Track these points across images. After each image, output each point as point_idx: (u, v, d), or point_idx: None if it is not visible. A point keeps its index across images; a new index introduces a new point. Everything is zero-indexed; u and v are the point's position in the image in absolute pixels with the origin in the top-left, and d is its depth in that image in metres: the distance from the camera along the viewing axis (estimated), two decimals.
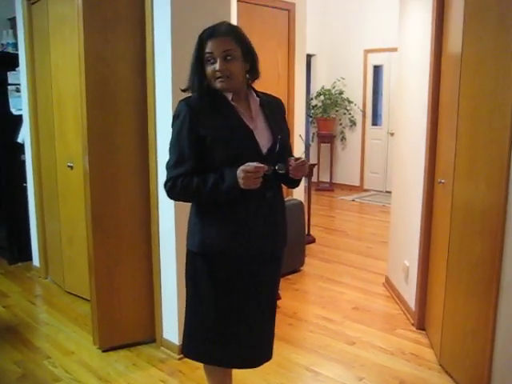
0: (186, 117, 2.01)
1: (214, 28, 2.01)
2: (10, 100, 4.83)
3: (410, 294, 3.76)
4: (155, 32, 2.99)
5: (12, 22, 5.54)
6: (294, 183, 2.23)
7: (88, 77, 2.94)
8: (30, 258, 4.89)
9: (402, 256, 3.98)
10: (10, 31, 5.31)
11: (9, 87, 4.82)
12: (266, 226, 2.11)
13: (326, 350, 3.33)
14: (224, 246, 2.08)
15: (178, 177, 2.02)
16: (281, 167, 2.02)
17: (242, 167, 1.91)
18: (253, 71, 2.12)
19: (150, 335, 3.36)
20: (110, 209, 3.11)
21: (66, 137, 3.97)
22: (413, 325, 3.65)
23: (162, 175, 3.09)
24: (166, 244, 3.16)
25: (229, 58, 1.98)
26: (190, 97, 2.09)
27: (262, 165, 1.91)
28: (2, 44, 5.32)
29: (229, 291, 2.14)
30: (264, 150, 2.05)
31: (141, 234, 3.22)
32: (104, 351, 3.29)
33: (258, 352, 2.31)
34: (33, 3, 4.20)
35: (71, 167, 3.88)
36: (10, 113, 4.83)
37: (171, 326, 3.23)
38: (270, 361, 3.15)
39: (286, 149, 2.19)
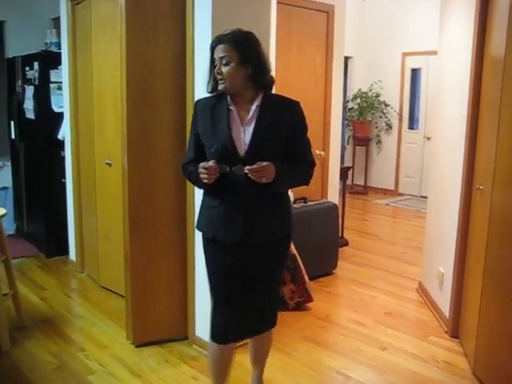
0: (193, 114, 2.40)
1: (219, 36, 2.25)
2: (52, 98, 4.95)
3: (444, 300, 3.71)
4: (195, 32, 3.03)
5: (55, 21, 5.67)
6: (269, 186, 2.21)
7: (129, 76, 2.98)
8: (67, 252, 5.00)
9: (437, 262, 3.92)
10: (54, 31, 5.44)
11: (51, 85, 4.94)
12: (239, 217, 2.27)
13: (358, 354, 3.31)
14: (205, 231, 2.41)
15: (184, 164, 2.43)
16: (237, 169, 2.20)
17: (201, 164, 2.19)
18: (257, 75, 2.25)
19: (182, 332, 3.40)
20: (146, 207, 3.16)
21: (105, 134, 4.05)
22: (446, 332, 3.59)
23: None
24: (201, 242, 3.18)
25: (224, 62, 2.20)
26: (206, 97, 2.38)
27: (212, 164, 2.14)
28: (46, 43, 5.45)
29: (216, 272, 2.40)
30: (242, 151, 2.22)
31: (176, 232, 3.26)
32: (137, 346, 3.34)
33: (254, 325, 2.50)
34: (77, 3, 4.29)
35: (109, 164, 3.95)
36: (52, 110, 4.94)
37: (203, 324, 3.25)
38: (301, 363, 3.16)
39: (289, 151, 2.30)
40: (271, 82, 2.34)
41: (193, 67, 3.05)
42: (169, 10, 3.05)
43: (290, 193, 4.58)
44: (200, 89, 3.02)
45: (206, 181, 2.18)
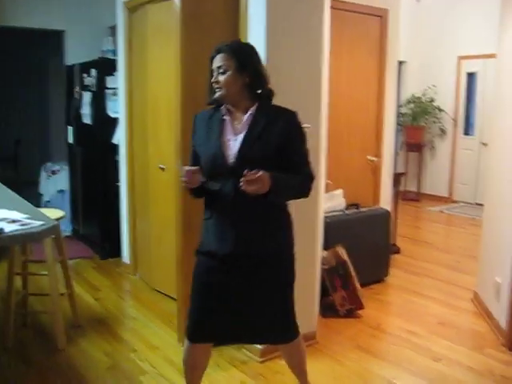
0: (192, 128, 2.43)
1: (217, 47, 2.28)
2: (108, 103, 5.08)
3: (500, 311, 3.59)
4: (249, 40, 3.05)
5: (112, 30, 5.82)
6: (263, 196, 2.13)
7: (183, 83, 3.03)
8: (120, 254, 5.11)
9: (494, 272, 3.80)
10: (111, 38, 5.59)
11: (107, 91, 5.07)
12: (230, 229, 2.26)
13: (410, 365, 3.24)
14: (201, 242, 2.40)
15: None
16: (211, 184, 2.24)
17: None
18: (254, 84, 2.26)
19: None
20: (198, 212, 3.18)
21: (159, 139, 4.12)
22: (503, 345, 3.47)
23: None
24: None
25: (221, 71, 2.22)
26: (204, 110, 2.41)
27: (187, 168, 2.18)
28: (103, 50, 5.61)
29: (204, 284, 2.35)
30: (231, 161, 2.21)
31: None
32: None
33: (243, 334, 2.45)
34: (133, 12, 4.39)
35: (163, 169, 4.02)
36: (107, 115, 5.08)
37: None
38: (351, 371, 3.12)
39: (284, 163, 2.24)
40: (270, 93, 2.34)
41: None
42: (223, 18, 3.09)
43: (342, 199, 4.56)
44: None
45: (185, 185, 2.22)
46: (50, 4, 5.90)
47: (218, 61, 2.24)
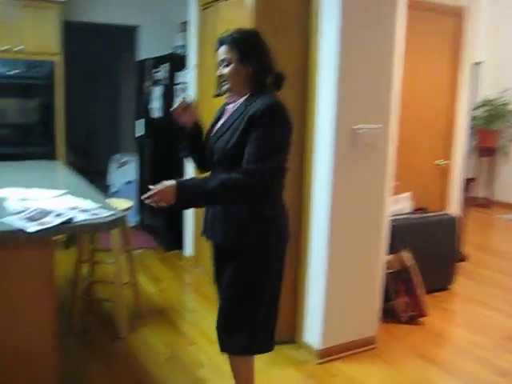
0: None
1: (220, 38, 2.24)
2: (177, 98, 5.16)
3: None
4: (321, 41, 3.02)
5: (184, 26, 5.91)
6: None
7: None
8: (183, 246, 5.18)
9: None
10: (182, 34, 5.67)
11: (176, 86, 5.15)
12: (208, 220, 2.29)
13: (474, 378, 3.12)
14: None
15: None
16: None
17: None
18: (258, 74, 2.18)
19: (290, 336, 3.39)
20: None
21: None
22: None
23: (318, 180, 3.11)
24: (317, 246, 3.18)
25: (225, 63, 2.18)
26: None
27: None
28: (174, 46, 5.71)
29: None
30: (216, 155, 2.20)
31: (292, 241, 3.25)
32: None
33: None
34: (205, 8, 4.43)
35: None
36: None
37: (313, 330, 3.24)
38: (412, 380, 3.03)
39: (234, 157, 2.12)
40: (277, 80, 2.24)
41: (315, 75, 3.04)
42: (295, 16, 3.06)
43: (409, 202, 4.44)
44: (323, 99, 3.03)
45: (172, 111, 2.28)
46: (123, 0, 6.06)
47: (221, 53, 2.20)
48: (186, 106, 2.28)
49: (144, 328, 3.60)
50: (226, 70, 2.18)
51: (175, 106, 2.28)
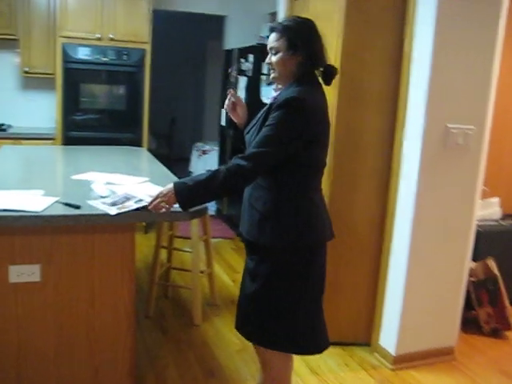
0: None
1: (271, 25, 2.16)
2: (262, 89, 5.13)
3: None
4: (416, 30, 2.88)
5: (272, 16, 5.87)
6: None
7: (342, 75, 2.94)
8: None
9: None
10: (269, 25, 5.63)
11: (262, 77, 5.13)
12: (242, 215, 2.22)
13: None
14: None
15: None
16: None
17: None
18: (308, 62, 2.08)
19: (365, 338, 3.31)
20: (345, 206, 3.12)
21: None
22: None
23: (404, 181, 3.00)
24: (398, 249, 3.07)
25: (274, 52, 2.10)
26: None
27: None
28: (261, 36, 5.68)
29: None
30: (247, 148, 2.11)
31: (372, 234, 3.18)
32: None
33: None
34: (295, 0, 4.37)
35: None
36: (261, 100, 5.13)
37: (389, 334, 3.14)
38: None
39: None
40: (328, 73, 2.14)
41: (409, 68, 2.91)
42: (389, 11, 2.95)
43: (498, 208, 4.21)
44: (414, 94, 2.90)
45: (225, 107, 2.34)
46: None
47: (270, 41, 2.11)
48: (235, 101, 2.31)
49: (218, 318, 3.62)
50: (274, 58, 2.10)
51: (226, 103, 2.32)
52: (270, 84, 2.34)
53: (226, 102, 2.33)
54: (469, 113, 2.96)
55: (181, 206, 2.09)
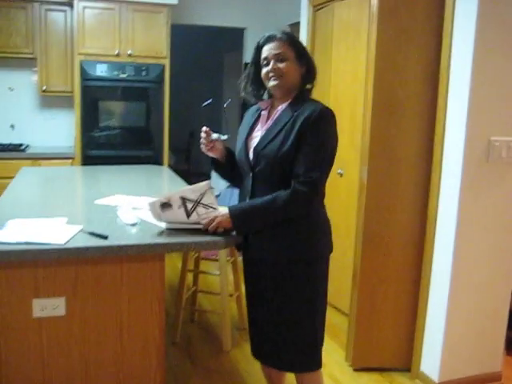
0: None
1: (269, 35, 2.08)
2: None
3: None
4: (453, 44, 2.72)
5: (292, 27, 5.75)
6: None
7: (376, 84, 2.80)
8: None
9: None
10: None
11: None
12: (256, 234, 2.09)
13: None
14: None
15: None
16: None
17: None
18: (308, 75, 2.11)
19: (405, 363, 3.12)
20: (382, 223, 2.96)
21: (339, 143, 3.92)
22: None
23: (444, 197, 2.83)
24: (440, 270, 2.89)
25: (281, 58, 2.02)
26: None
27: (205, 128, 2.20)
28: None
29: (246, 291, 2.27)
30: (251, 156, 2.10)
31: (412, 253, 3.01)
32: (355, 370, 3.15)
33: (265, 352, 2.23)
34: (318, 9, 4.24)
35: (341, 174, 3.82)
36: None
37: (431, 360, 2.96)
38: None
39: (285, 162, 2.01)
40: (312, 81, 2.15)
41: (447, 77, 2.75)
42: (425, 19, 2.79)
43: None
44: (454, 104, 2.74)
45: (202, 146, 2.20)
46: (231, 2, 6.00)
47: (273, 48, 2.03)
48: (213, 141, 2.21)
49: (247, 343, 3.40)
50: (282, 65, 2.03)
51: (202, 141, 2.23)
52: (257, 98, 2.20)
53: (203, 140, 2.21)
54: (507, 125, 2.79)
55: (236, 230, 2.08)
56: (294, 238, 2.07)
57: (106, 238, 2.00)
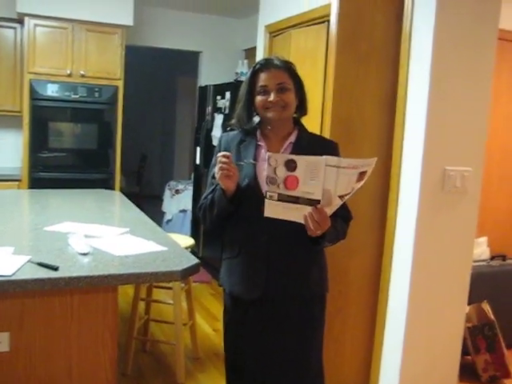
0: (217, 147, 2.13)
1: (267, 61, 2.02)
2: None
3: None
4: (410, 73, 2.76)
5: (247, 52, 5.78)
6: (313, 240, 1.87)
7: (334, 114, 2.81)
8: None
9: None
10: (245, 61, 5.54)
11: None
12: (261, 268, 1.99)
13: None
14: (229, 287, 2.12)
15: (205, 197, 2.07)
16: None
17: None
18: (302, 107, 2.07)
19: None
20: (340, 250, 2.94)
21: None
22: None
23: (401, 225, 2.84)
24: (396, 298, 2.90)
25: (283, 88, 1.95)
26: (231, 130, 2.13)
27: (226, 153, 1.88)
28: (236, 73, 5.56)
29: (234, 335, 2.13)
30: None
31: (369, 283, 3.01)
32: None
33: None
34: (275, 36, 4.26)
35: None
36: None
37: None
38: None
39: None
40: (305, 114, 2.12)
41: (404, 107, 2.78)
42: (382, 45, 2.83)
43: (486, 248, 4.10)
44: (411, 134, 2.77)
45: (221, 179, 1.86)
46: (187, 25, 5.98)
47: (275, 77, 1.95)
48: (235, 167, 1.90)
49: (202, 374, 3.35)
50: (285, 96, 1.96)
51: (221, 167, 1.86)
52: (244, 128, 2.09)
53: (224, 166, 1.85)
54: (466, 154, 2.84)
55: (326, 239, 1.89)
56: (314, 272, 2.06)
57: (56, 269, 1.90)
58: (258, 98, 1.98)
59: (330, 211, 1.75)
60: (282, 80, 1.96)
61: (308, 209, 1.73)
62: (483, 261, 4.00)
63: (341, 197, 1.73)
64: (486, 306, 3.51)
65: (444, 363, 3.03)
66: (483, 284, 3.76)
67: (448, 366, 3.05)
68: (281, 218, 1.77)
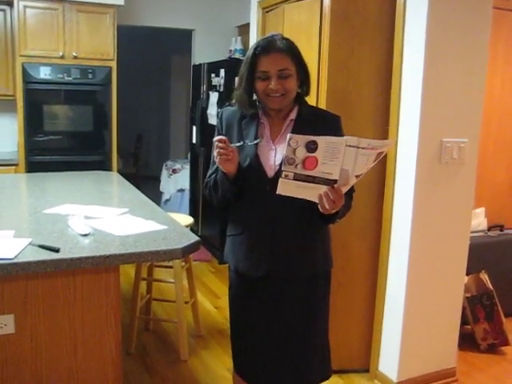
0: (218, 123, 2.12)
1: (268, 42, 1.89)
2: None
3: None
4: (405, 46, 2.75)
5: (240, 29, 5.73)
6: (326, 217, 1.85)
7: (329, 87, 2.80)
8: None
9: None
10: (239, 38, 5.50)
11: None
12: (266, 246, 1.98)
13: None
14: (234, 264, 2.09)
15: (209, 176, 2.07)
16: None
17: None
18: (303, 87, 1.99)
19: (363, 364, 3.14)
20: (339, 226, 2.96)
21: None
22: None
23: (398, 198, 2.86)
24: (395, 270, 2.93)
25: (285, 75, 1.87)
26: (230, 105, 2.08)
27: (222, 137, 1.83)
28: (230, 50, 5.53)
29: (240, 307, 2.14)
30: (271, 172, 1.92)
31: (369, 257, 3.04)
32: None
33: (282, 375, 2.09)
34: (268, 11, 4.22)
35: None
36: None
37: (389, 360, 2.98)
38: None
39: None
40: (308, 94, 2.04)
41: (399, 80, 2.78)
42: (376, 18, 2.81)
43: (484, 218, 4.12)
44: (407, 106, 2.77)
45: (220, 163, 1.84)
46: (179, 3, 5.91)
47: (277, 62, 1.86)
48: (233, 150, 1.86)
49: (205, 350, 3.40)
50: (286, 83, 1.88)
51: (219, 152, 1.83)
52: (239, 107, 2.02)
53: (222, 151, 1.83)
54: (462, 126, 2.85)
55: (338, 216, 1.88)
56: (319, 248, 2.06)
57: (57, 250, 1.91)
58: (259, 83, 1.90)
59: (344, 190, 1.74)
60: (283, 66, 1.87)
61: (323, 188, 1.70)
62: (481, 231, 4.03)
63: (357, 176, 1.71)
64: (484, 276, 3.55)
65: (444, 333, 3.08)
66: (481, 254, 3.79)
67: (448, 335, 3.10)
68: (293, 195, 1.75)
